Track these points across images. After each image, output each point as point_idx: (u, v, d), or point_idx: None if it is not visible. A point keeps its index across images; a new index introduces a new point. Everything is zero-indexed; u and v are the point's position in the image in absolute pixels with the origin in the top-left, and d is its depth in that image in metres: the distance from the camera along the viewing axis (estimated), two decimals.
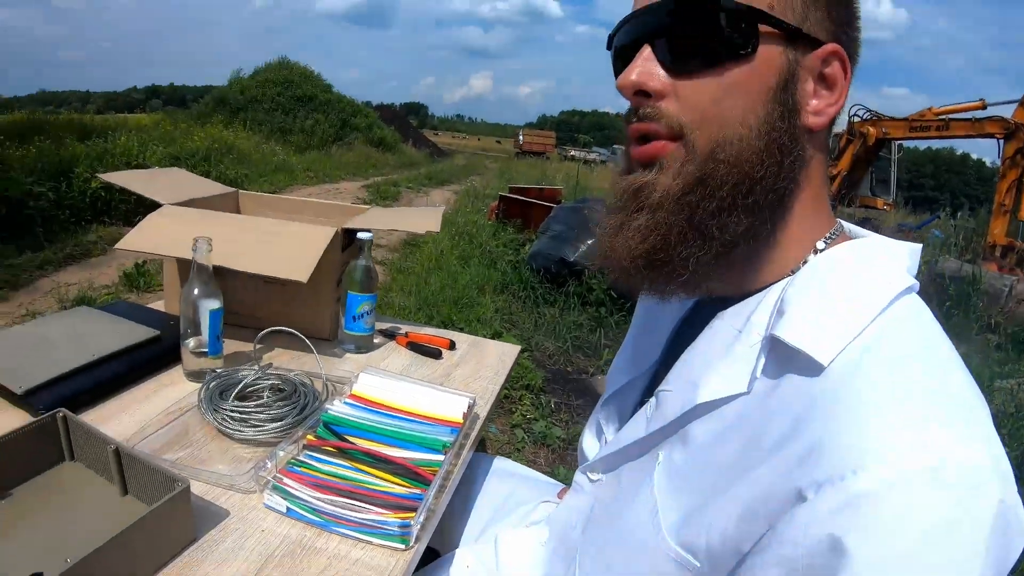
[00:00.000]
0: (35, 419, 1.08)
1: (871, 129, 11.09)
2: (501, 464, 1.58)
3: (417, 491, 1.08)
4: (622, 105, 0.78)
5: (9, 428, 1.04)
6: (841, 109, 0.75)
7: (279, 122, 19.10)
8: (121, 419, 1.28)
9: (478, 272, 6.78)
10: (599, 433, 1.12)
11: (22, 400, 1.24)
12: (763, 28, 0.68)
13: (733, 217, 0.71)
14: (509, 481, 1.50)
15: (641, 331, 1.09)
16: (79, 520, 1.02)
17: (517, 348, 1.91)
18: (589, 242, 6.04)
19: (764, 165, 0.71)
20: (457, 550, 1.24)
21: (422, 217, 1.85)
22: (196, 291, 1.36)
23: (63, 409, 1.10)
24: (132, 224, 6.53)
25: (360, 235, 1.60)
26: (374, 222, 1.66)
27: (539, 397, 4.20)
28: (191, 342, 1.40)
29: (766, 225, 0.74)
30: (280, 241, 1.54)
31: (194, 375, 1.44)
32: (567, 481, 1.41)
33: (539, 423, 3.81)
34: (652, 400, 0.86)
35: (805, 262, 0.75)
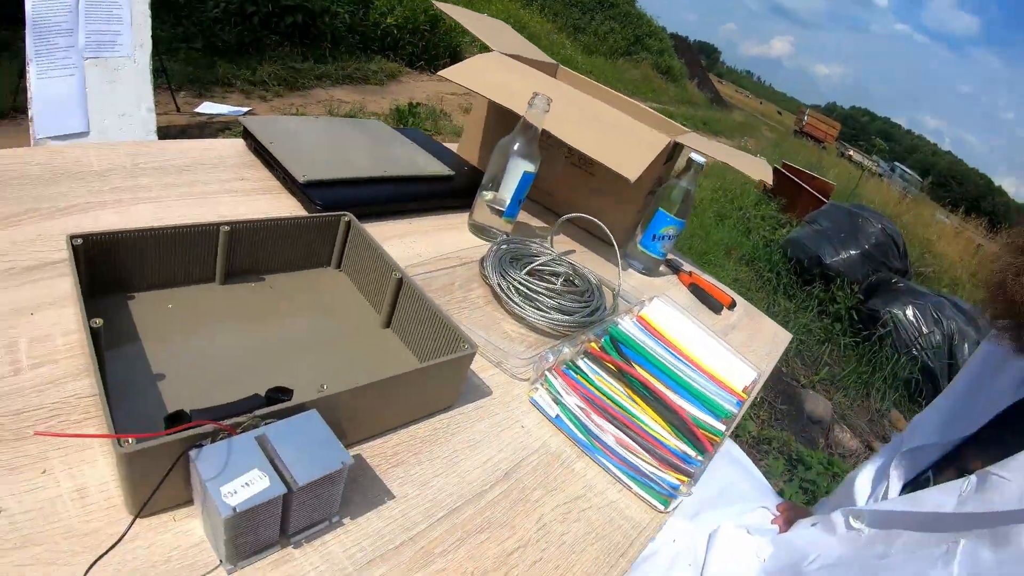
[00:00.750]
0: (317, 213, 0.97)
1: None
2: (729, 446, 1.42)
3: (690, 453, 0.89)
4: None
5: (281, 212, 0.93)
6: None
7: (575, 18, 18.01)
8: (393, 245, 1.17)
9: (730, 235, 6.38)
10: (880, 480, 1.00)
11: (301, 189, 1.16)
12: None
13: None
14: (734, 467, 1.35)
15: (968, 389, 0.97)
16: (329, 336, 0.90)
17: (789, 336, 1.67)
18: (852, 252, 5.58)
19: None
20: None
21: (752, 163, 1.60)
22: (516, 146, 1.20)
23: (349, 213, 0.98)
24: (413, 66, 6.72)
25: (694, 156, 1.41)
26: (703, 147, 1.44)
27: None
28: (488, 195, 1.25)
29: None
30: (613, 131, 1.37)
31: (480, 230, 1.31)
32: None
33: None
34: (972, 479, 0.77)
35: None
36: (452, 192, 1.39)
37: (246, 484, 0.55)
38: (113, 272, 0.80)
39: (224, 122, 4.38)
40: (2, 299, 0.77)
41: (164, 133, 3.54)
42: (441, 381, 0.82)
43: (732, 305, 1.59)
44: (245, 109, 4.76)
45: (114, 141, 1.03)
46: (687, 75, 24.39)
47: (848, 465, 3.37)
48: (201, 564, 0.60)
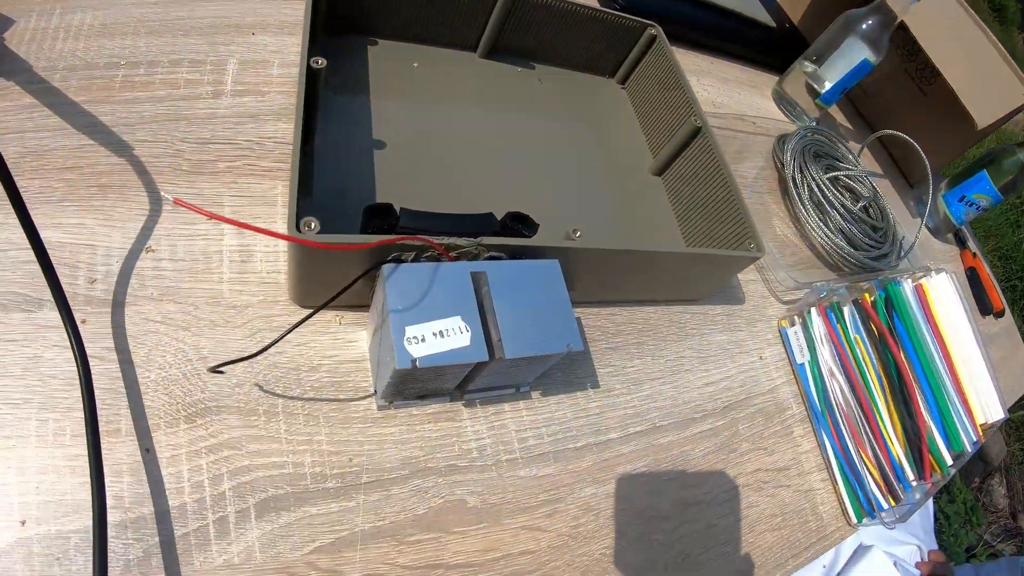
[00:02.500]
0: (618, 12, 0.73)
1: None
2: None
3: (909, 475, 0.66)
4: None
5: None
6: None
7: None
8: None
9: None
10: None
11: None
12: None
13: None
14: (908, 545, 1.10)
15: None
16: (589, 165, 0.69)
17: None
18: None
19: None
20: None
21: None
22: (865, 26, 0.90)
23: (656, 25, 0.74)
24: None
25: None
26: None
27: None
28: (810, 67, 0.96)
29: None
30: (977, 62, 1.05)
31: (784, 102, 1.03)
32: None
33: None
34: None
35: None
36: (765, 45, 1.09)
37: (439, 333, 0.37)
38: (359, 7, 0.61)
39: None
40: (222, 9, 0.61)
41: None
42: (708, 273, 0.61)
43: (1000, 314, 1.24)
44: None
45: None
46: (1019, 23, 20.44)
47: (986, 520, 2.90)
48: (351, 386, 0.46)
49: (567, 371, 0.55)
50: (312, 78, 0.47)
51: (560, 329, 0.42)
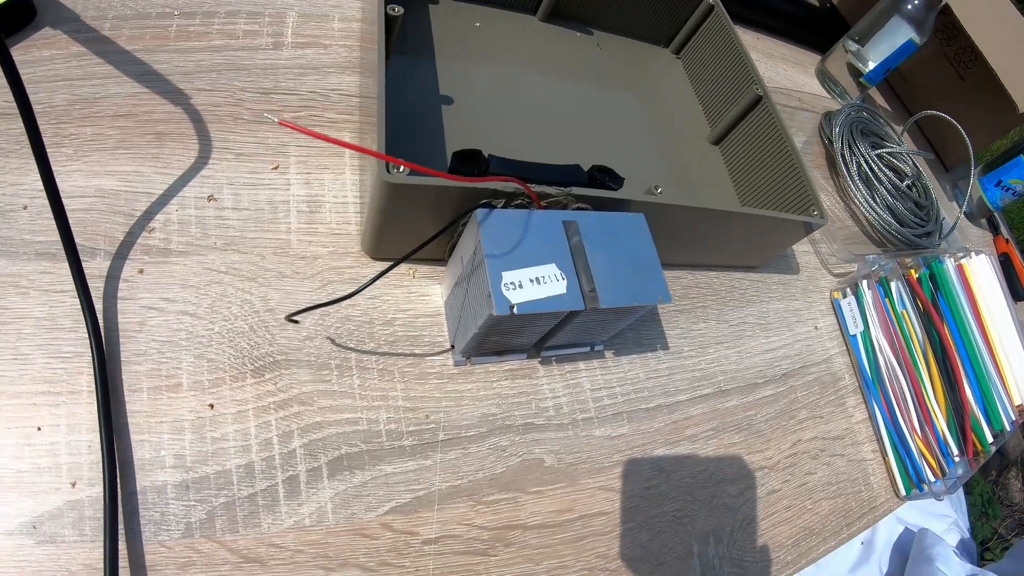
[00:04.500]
0: None
1: None
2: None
3: (953, 450, 0.62)
4: None
5: None
6: None
7: None
8: None
9: None
10: None
11: None
12: None
13: None
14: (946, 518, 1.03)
15: None
16: (651, 131, 0.64)
17: None
18: None
19: None
20: None
21: None
22: (910, 6, 0.83)
23: None
24: None
25: None
26: None
27: None
28: (853, 46, 0.91)
29: None
30: (1019, 49, 1.00)
31: (828, 80, 0.97)
32: None
33: None
34: None
35: None
36: (807, 23, 1.03)
37: (536, 280, 0.33)
38: None
39: None
40: None
41: None
42: (773, 238, 0.57)
43: None
44: None
45: None
46: None
47: (1002, 514, 2.82)
48: (427, 341, 0.41)
49: (638, 331, 0.51)
50: (391, 25, 0.42)
51: (650, 281, 0.37)
